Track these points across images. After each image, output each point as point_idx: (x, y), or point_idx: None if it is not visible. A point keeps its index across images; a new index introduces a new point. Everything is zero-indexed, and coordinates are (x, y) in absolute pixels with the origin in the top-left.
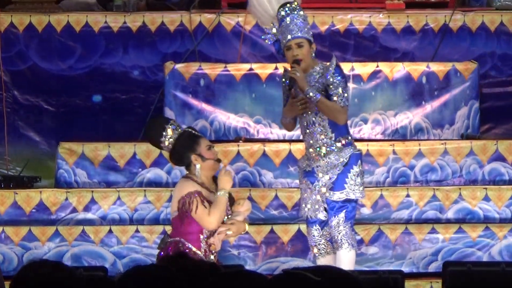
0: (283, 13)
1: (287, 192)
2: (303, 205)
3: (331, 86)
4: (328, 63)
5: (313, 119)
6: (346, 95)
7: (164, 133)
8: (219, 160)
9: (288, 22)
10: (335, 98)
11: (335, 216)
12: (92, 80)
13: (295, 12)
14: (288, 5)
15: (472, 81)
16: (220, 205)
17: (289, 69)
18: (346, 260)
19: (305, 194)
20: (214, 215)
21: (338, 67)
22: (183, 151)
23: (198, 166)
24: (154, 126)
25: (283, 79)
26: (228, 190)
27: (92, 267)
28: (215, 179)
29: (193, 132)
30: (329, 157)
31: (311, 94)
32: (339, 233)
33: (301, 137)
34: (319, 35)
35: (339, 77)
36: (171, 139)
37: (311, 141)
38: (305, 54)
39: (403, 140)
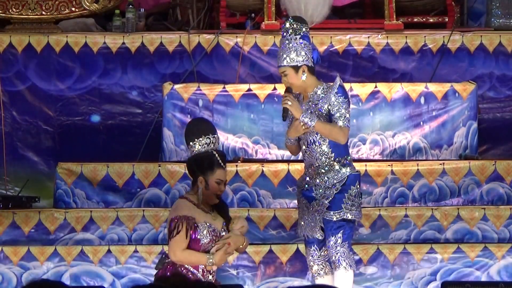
0: (282, 32)
1: (286, 212)
2: (301, 224)
3: (333, 106)
4: (332, 83)
5: (313, 138)
6: (347, 115)
7: (196, 140)
8: (218, 197)
9: (280, 46)
10: (336, 118)
11: (332, 236)
12: (91, 100)
13: (287, 35)
14: (285, 24)
15: (470, 102)
16: (195, 258)
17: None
18: (343, 280)
19: (303, 213)
20: (183, 254)
21: (341, 87)
22: (196, 167)
23: (200, 189)
24: (196, 128)
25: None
26: (215, 267)
27: (91, 287)
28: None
29: (217, 158)
30: (328, 177)
31: (306, 120)
32: (337, 253)
33: (299, 157)
34: None
35: (342, 97)
36: (196, 149)
37: (311, 160)
38: (291, 81)
39: (401, 160)
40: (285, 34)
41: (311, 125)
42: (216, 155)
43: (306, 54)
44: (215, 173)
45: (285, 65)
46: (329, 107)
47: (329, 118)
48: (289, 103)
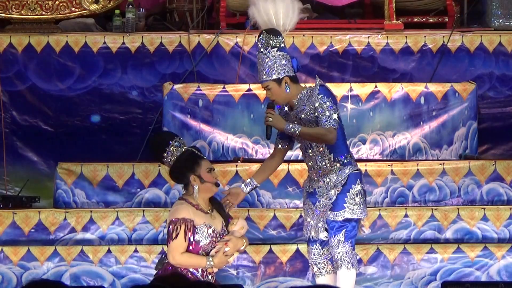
0: (259, 47)
1: (286, 212)
2: (306, 226)
3: (317, 108)
4: (313, 85)
5: (310, 143)
6: (333, 114)
7: (167, 149)
8: (217, 184)
9: (259, 61)
10: (321, 119)
11: (335, 236)
12: (91, 100)
13: (263, 49)
14: (260, 38)
15: (470, 102)
16: (194, 261)
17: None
18: (345, 279)
19: (307, 215)
20: (183, 257)
21: (322, 87)
22: (183, 170)
23: (196, 187)
24: (159, 140)
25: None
26: (216, 269)
27: (91, 287)
28: (211, 199)
29: (196, 152)
30: (329, 178)
31: (291, 131)
32: (339, 253)
33: (299, 157)
34: (318, 56)
35: (324, 97)
36: (172, 156)
37: (311, 163)
38: (275, 94)
39: (401, 160)
40: (261, 49)
41: (297, 134)
42: (193, 150)
43: (285, 64)
44: (202, 165)
45: (267, 79)
46: (314, 110)
47: (316, 120)
48: (270, 119)
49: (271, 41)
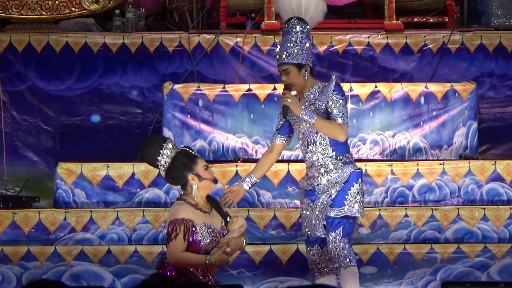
0: (285, 30)
1: (286, 212)
2: (304, 224)
3: (331, 104)
4: (327, 83)
5: (314, 138)
6: (346, 112)
7: (160, 152)
8: (215, 181)
9: (281, 44)
10: (335, 116)
11: (332, 232)
12: (91, 100)
13: (292, 33)
14: (289, 22)
15: (470, 102)
16: (193, 260)
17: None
18: (349, 276)
19: (306, 213)
20: (181, 257)
21: (337, 85)
22: (180, 170)
23: (195, 186)
24: (151, 145)
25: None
26: (217, 267)
27: (91, 287)
28: (209, 198)
29: (190, 151)
30: (330, 175)
31: (306, 117)
32: (336, 249)
33: (299, 157)
34: (318, 56)
35: (338, 95)
36: (167, 158)
37: (312, 160)
38: (292, 79)
39: (401, 160)
40: (290, 31)
41: (311, 122)
42: (187, 149)
43: (308, 53)
44: (198, 163)
45: (289, 62)
46: (327, 105)
47: (327, 117)
48: (289, 100)
49: (298, 27)
